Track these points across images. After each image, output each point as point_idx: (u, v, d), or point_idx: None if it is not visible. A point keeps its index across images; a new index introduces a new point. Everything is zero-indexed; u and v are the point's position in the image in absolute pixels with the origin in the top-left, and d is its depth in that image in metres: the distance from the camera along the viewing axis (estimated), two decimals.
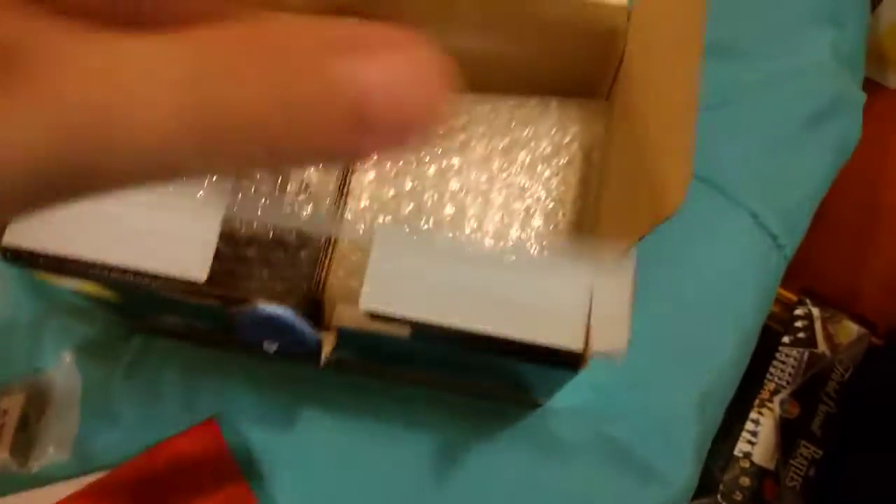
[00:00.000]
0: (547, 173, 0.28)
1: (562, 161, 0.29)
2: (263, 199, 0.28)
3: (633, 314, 0.34)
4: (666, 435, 0.33)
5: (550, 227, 0.28)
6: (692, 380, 0.34)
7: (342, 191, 0.29)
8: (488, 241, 0.28)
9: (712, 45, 0.41)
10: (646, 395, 0.33)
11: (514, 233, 0.28)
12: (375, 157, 0.10)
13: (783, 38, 0.40)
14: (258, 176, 0.28)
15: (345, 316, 0.23)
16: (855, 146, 0.41)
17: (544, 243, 0.28)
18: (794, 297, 0.65)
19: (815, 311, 0.64)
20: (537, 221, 0.28)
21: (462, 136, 0.30)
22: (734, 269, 0.36)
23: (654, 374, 0.33)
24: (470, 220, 0.28)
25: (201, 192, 0.26)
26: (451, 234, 0.28)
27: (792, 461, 0.59)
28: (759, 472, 0.58)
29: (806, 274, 0.66)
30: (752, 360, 0.63)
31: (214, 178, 0.19)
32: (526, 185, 0.29)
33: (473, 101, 0.30)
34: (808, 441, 0.60)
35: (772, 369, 0.62)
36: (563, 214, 0.28)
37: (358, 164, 0.29)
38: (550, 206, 0.28)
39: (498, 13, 0.29)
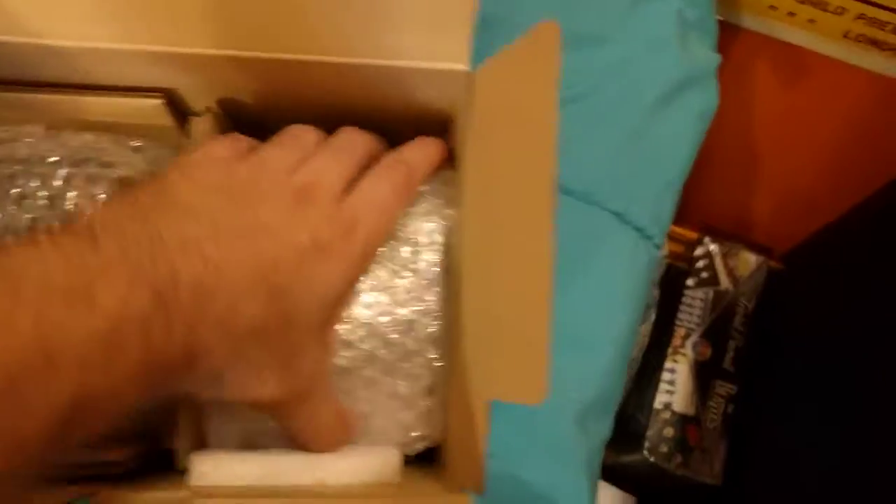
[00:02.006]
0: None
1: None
2: None
3: None
4: (549, 461, 0.32)
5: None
6: (568, 401, 0.33)
7: None
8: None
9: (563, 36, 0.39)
10: (522, 425, 0.32)
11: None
12: None
13: (628, 16, 0.37)
14: None
15: None
16: (713, 114, 0.39)
17: None
18: (694, 235, 0.65)
19: (714, 248, 0.64)
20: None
21: None
22: (601, 279, 0.34)
23: (528, 407, 0.32)
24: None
25: None
26: None
27: (710, 402, 0.60)
28: (681, 420, 0.59)
29: (702, 210, 0.67)
30: (660, 307, 0.63)
31: None
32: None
33: None
34: (722, 379, 0.61)
35: (680, 315, 0.62)
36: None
37: None
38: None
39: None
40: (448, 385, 0.25)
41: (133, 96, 0.25)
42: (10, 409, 0.17)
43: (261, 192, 0.23)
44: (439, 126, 0.28)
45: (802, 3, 0.46)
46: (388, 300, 0.25)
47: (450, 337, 0.25)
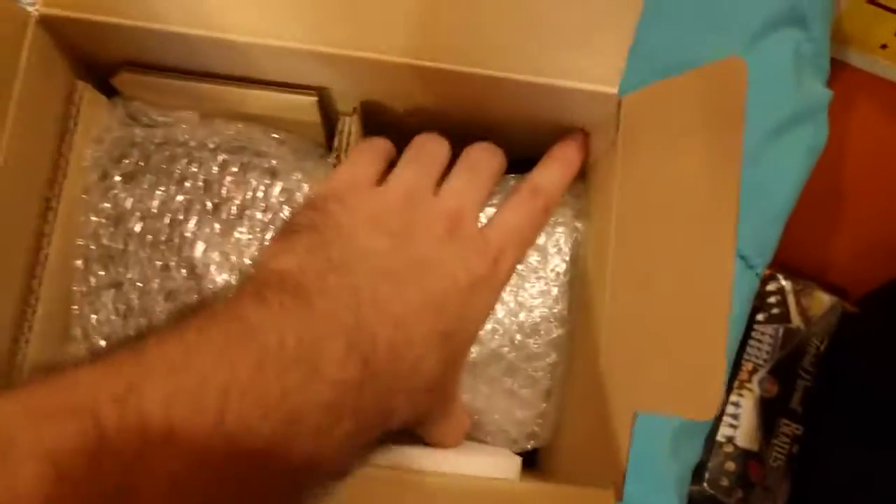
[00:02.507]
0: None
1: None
2: None
3: None
4: (641, 482, 0.32)
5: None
6: (663, 421, 0.33)
7: None
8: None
9: (676, 62, 0.39)
10: None
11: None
12: None
13: (746, 46, 0.38)
14: None
15: None
16: (822, 150, 0.39)
17: None
18: (767, 270, 0.64)
19: (787, 285, 0.63)
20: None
21: None
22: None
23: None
24: None
25: None
26: None
27: (774, 440, 0.59)
28: (743, 455, 0.58)
29: (777, 247, 0.66)
30: None
31: None
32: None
33: None
34: (788, 419, 0.60)
35: (748, 349, 0.62)
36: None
37: None
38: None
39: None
40: (570, 389, 0.26)
41: (290, 92, 0.27)
42: (257, 475, 0.17)
43: (414, 223, 0.23)
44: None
45: None
46: (516, 303, 0.26)
47: (577, 343, 0.26)
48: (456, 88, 0.25)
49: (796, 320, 0.63)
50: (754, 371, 0.62)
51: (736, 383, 0.62)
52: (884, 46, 0.46)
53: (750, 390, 0.61)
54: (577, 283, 0.26)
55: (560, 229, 0.27)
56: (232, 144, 0.27)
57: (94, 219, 0.27)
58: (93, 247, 0.26)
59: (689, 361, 0.19)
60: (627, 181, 0.25)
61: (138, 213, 0.26)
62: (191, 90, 0.27)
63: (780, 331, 0.63)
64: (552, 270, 0.27)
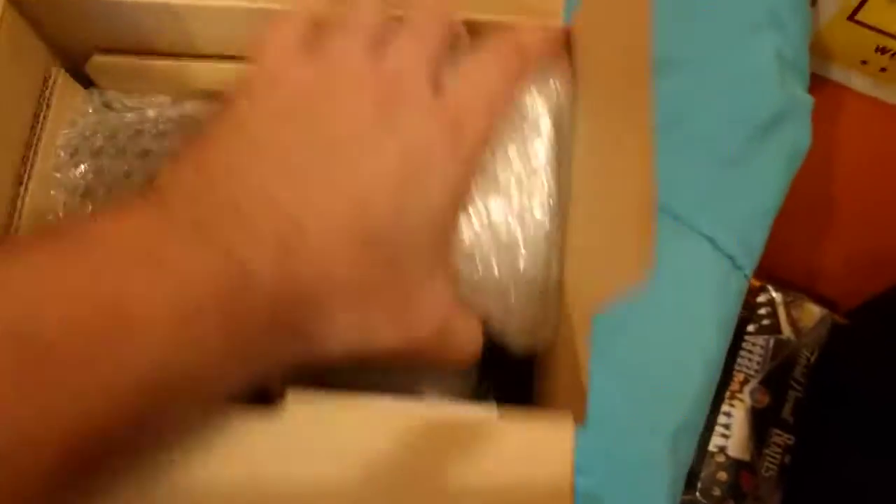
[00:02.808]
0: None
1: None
2: None
3: (597, 358, 0.33)
4: (638, 482, 0.32)
5: None
6: (662, 421, 0.33)
7: None
8: None
9: (659, 61, 0.40)
10: (614, 443, 0.32)
11: None
12: None
13: (727, 48, 0.39)
14: None
15: None
16: (806, 152, 0.40)
17: None
18: (756, 283, 0.65)
19: (778, 297, 0.64)
20: None
21: None
22: (695, 300, 0.35)
23: (622, 421, 0.32)
24: None
25: None
26: None
27: (766, 451, 0.60)
28: (735, 465, 0.59)
29: (768, 258, 0.67)
30: None
31: None
32: None
33: None
34: (780, 429, 0.60)
35: (739, 360, 0.62)
36: None
37: None
38: None
39: None
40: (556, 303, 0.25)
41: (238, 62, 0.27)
42: (87, 379, 0.16)
43: (335, 102, 0.19)
44: None
45: (895, 59, 0.47)
46: (502, 201, 0.22)
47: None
48: None
49: (787, 331, 0.64)
50: (745, 382, 0.62)
51: (727, 394, 0.62)
52: (864, 62, 0.48)
53: (741, 401, 0.61)
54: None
55: (539, 97, 0.23)
56: (198, 119, 0.28)
57: (62, 193, 0.27)
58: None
59: (623, 231, 0.19)
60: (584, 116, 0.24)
61: (104, 188, 0.27)
62: (163, 71, 0.28)
63: (771, 342, 0.64)
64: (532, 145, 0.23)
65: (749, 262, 0.37)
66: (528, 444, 0.19)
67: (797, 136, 0.39)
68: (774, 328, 0.64)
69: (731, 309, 0.36)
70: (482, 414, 0.19)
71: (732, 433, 0.59)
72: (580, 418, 0.19)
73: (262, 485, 0.17)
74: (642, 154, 0.18)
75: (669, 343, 0.34)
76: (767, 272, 0.67)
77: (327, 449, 0.18)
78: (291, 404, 0.18)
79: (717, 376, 0.36)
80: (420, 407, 0.20)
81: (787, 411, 0.61)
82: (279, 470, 0.18)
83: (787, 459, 0.59)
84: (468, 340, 0.22)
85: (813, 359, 0.63)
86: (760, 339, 0.63)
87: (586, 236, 0.23)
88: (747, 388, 0.61)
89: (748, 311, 0.65)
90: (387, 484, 0.18)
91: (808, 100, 0.40)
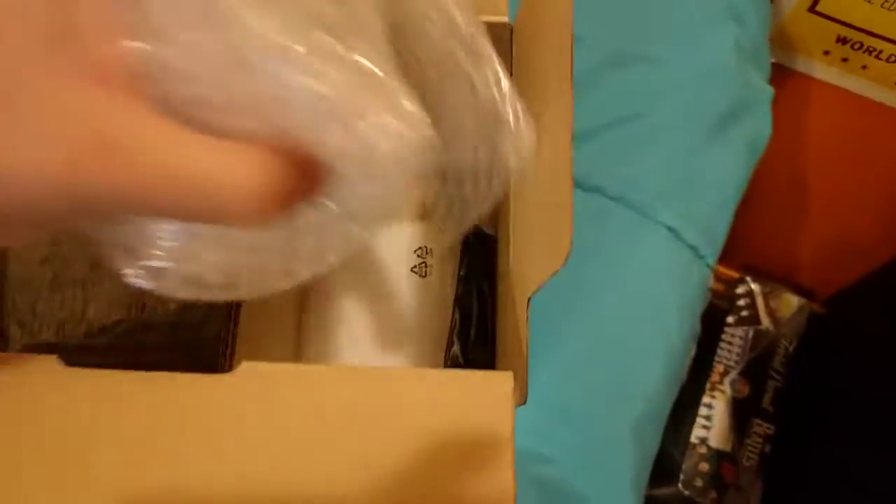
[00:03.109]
0: None
1: None
2: None
3: (560, 348, 0.34)
4: (603, 468, 0.33)
5: None
6: (625, 408, 0.33)
7: None
8: None
9: (619, 54, 0.41)
10: (579, 430, 0.33)
11: None
12: None
13: (686, 40, 0.39)
14: None
15: None
16: (766, 142, 0.41)
17: None
18: (735, 275, 0.66)
19: (756, 287, 0.65)
20: None
21: None
22: (656, 289, 0.35)
23: (586, 408, 0.33)
24: None
25: None
26: None
27: (747, 440, 0.60)
28: (716, 456, 0.59)
29: (745, 251, 0.67)
30: (699, 343, 0.63)
31: None
32: None
33: None
34: (760, 418, 0.61)
35: (719, 351, 0.63)
36: None
37: None
38: None
39: None
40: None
41: None
42: None
43: None
44: None
45: (856, 49, 0.47)
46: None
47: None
48: None
49: (765, 322, 0.65)
50: (726, 373, 0.62)
51: (708, 385, 0.62)
52: (826, 52, 0.48)
53: (722, 392, 0.62)
54: None
55: None
56: None
57: None
58: None
59: (548, 221, 0.20)
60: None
61: None
62: None
63: (750, 332, 0.64)
64: None
65: (711, 252, 0.38)
66: (468, 399, 0.19)
67: (757, 126, 0.40)
68: (753, 319, 0.65)
69: (693, 298, 0.37)
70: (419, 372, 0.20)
71: (713, 424, 0.60)
72: (523, 397, 0.20)
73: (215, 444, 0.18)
74: (563, 148, 0.19)
75: (631, 332, 0.34)
76: (745, 264, 0.68)
77: (276, 409, 0.18)
78: (240, 371, 0.19)
79: (681, 365, 0.37)
80: (359, 370, 0.20)
81: (767, 401, 0.61)
82: (231, 428, 0.18)
83: (767, 449, 0.60)
84: (205, 173, 0.15)
85: (792, 348, 0.64)
86: (740, 331, 0.64)
87: (525, 224, 0.23)
88: (727, 379, 0.62)
89: (728, 302, 0.66)
90: (323, 442, 0.18)
91: (768, 90, 0.41)
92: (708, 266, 0.38)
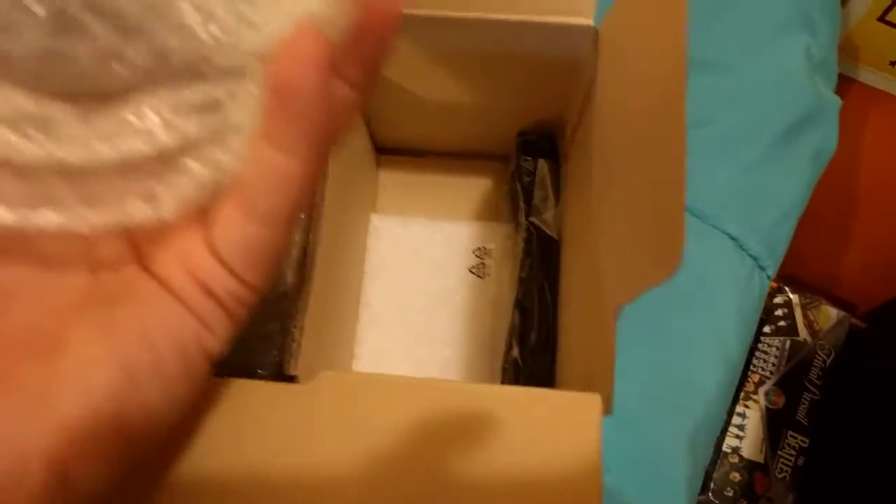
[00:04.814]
0: None
1: None
2: None
3: (618, 354, 0.33)
4: (658, 478, 0.32)
5: None
6: (682, 418, 0.33)
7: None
8: None
9: (689, 60, 0.40)
10: (635, 438, 0.32)
11: None
12: None
13: (758, 48, 0.39)
14: None
15: None
16: (832, 154, 0.40)
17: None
18: (773, 283, 0.65)
19: (795, 298, 0.64)
20: None
21: None
22: (717, 298, 0.35)
23: (643, 416, 0.33)
24: None
25: None
26: None
27: (780, 452, 0.59)
28: (748, 466, 0.58)
29: (786, 260, 0.66)
30: None
31: None
32: None
33: None
34: (794, 431, 0.60)
35: (755, 361, 0.62)
36: None
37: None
38: None
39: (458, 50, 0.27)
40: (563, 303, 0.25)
41: None
42: None
43: None
44: (563, 78, 0.28)
45: None
46: None
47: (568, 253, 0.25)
48: (434, 35, 0.25)
49: (803, 333, 0.64)
50: (760, 383, 0.62)
51: (742, 394, 0.62)
52: (893, 63, 0.47)
53: (756, 402, 0.61)
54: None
55: None
56: None
57: None
58: None
59: (652, 232, 0.19)
60: (605, 106, 0.24)
61: None
62: None
63: (787, 343, 0.63)
64: None
65: (772, 263, 0.37)
66: (556, 423, 0.19)
67: (824, 137, 0.39)
68: (791, 330, 0.64)
69: (753, 308, 0.37)
70: (510, 391, 0.19)
71: (746, 434, 0.59)
72: (609, 408, 0.19)
73: (287, 459, 0.17)
74: (675, 155, 0.18)
75: (691, 341, 0.34)
76: (785, 273, 0.67)
77: (352, 424, 0.18)
78: (318, 380, 0.18)
79: (737, 375, 0.36)
80: (447, 384, 0.20)
81: (801, 413, 0.61)
82: (303, 444, 0.18)
83: (800, 461, 0.59)
84: None
85: (829, 361, 0.63)
86: (776, 341, 0.63)
87: (617, 230, 0.23)
88: (762, 389, 0.61)
89: (765, 311, 0.65)
90: (409, 459, 0.18)
91: (835, 101, 0.40)
92: (769, 277, 0.37)
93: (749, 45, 0.38)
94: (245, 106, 0.14)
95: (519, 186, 0.32)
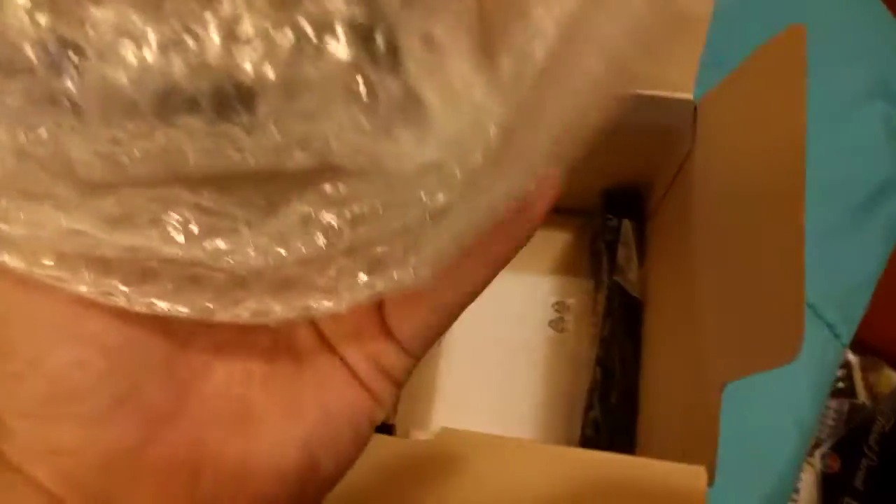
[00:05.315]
0: None
1: None
2: None
3: None
4: None
5: None
6: (756, 486, 0.33)
7: None
8: None
9: None
10: None
11: None
12: None
13: (837, 116, 0.39)
14: None
15: None
16: None
17: None
18: None
19: (855, 360, 0.63)
20: None
21: None
22: (792, 366, 0.35)
23: (717, 489, 0.33)
24: None
25: None
26: None
27: None
28: None
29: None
30: None
31: None
32: None
33: None
34: (851, 497, 0.59)
35: None
36: None
37: None
38: None
39: None
40: (656, 368, 0.26)
41: None
42: None
43: None
44: (656, 146, 0.29)
45: None
46: None
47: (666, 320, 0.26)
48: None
49: (862, 396, 0.62)
50: (817, 445, 0.60)
51: None
52: None
53: (811, 465, 0.60)
54: None
55: None
56: None
57: None
58: None
59: (769, 316, 0.19)
60: (706, 176, 0.25)
61: None
62: None
63: (846, 406, 0.62)
64: None
65: (847, 331, 0.37)
66: (664, 493, 0.19)
67: None
68: (850, 392, 0.62)
69: (827, 377, 0.36)
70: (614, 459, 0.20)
71: (801, 498, 0.58)
72: (712, 479, 0.20)
73: None
74: (795, 243, 0.19)
75: (766, 408, 0.34)
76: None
77: (473, 485, 0.19)
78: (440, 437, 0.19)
79: (807, 443, 0.36)
80: (569, 452, 0.20)
81: (859, 479, 0.59)
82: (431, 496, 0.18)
83: None
84: None
85: (889, 427, 0.61)
86: (835, 403, 0.62)
87: (725, 307, 0.23)
88: (818, 452, 0.60)
89: None
90: None
91: None
92: (843, 345, 0.37)
93: (827, 112, 0.39)
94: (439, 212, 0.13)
95: (603, 244, 0.33)
